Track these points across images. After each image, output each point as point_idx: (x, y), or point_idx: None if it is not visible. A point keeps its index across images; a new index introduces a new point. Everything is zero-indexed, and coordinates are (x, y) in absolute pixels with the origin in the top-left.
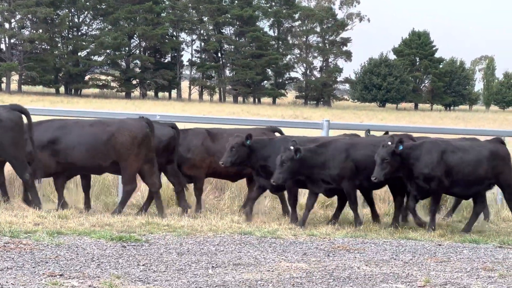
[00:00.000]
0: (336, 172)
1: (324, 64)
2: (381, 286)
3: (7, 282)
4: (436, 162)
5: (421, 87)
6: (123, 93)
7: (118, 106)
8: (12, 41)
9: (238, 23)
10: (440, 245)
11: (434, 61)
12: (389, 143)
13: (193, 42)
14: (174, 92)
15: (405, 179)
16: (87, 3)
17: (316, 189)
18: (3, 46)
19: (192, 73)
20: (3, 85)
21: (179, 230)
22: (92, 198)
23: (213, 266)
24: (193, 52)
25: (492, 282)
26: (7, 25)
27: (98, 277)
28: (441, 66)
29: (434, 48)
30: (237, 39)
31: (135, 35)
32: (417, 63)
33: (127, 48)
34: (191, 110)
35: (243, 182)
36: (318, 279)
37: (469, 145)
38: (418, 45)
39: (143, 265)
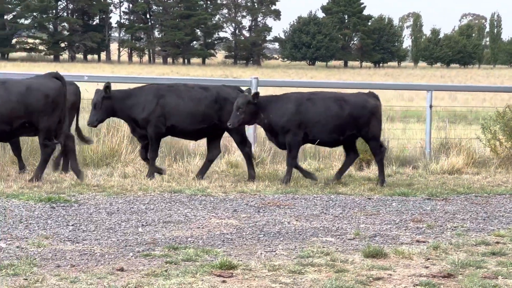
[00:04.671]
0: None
1: (253, 24)
2: (311, 240)
3: None
4: (290, 114)
5: (350, 45)
6: (52, 56)
7: (46, 69)
8: None
9: None
10: (370, 199)
11: (362, 19)
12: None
13: (121, 3)
14: (103, 55)
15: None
16: None
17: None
18: None
19: (121, 35)
20: None
21: (109, 190)
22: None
23: (143, 225)
24: (122, 14)
25: (420, 233)
26: None
27: (26, 238)
28: (369, 23)
29: (362, 6)
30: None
31: None
32: (346, 20)
33: (54, 11)
34: (120, 72)
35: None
36: (248, 235)
37: (334, 97)
38: (346, 3)
39: (72, 225)
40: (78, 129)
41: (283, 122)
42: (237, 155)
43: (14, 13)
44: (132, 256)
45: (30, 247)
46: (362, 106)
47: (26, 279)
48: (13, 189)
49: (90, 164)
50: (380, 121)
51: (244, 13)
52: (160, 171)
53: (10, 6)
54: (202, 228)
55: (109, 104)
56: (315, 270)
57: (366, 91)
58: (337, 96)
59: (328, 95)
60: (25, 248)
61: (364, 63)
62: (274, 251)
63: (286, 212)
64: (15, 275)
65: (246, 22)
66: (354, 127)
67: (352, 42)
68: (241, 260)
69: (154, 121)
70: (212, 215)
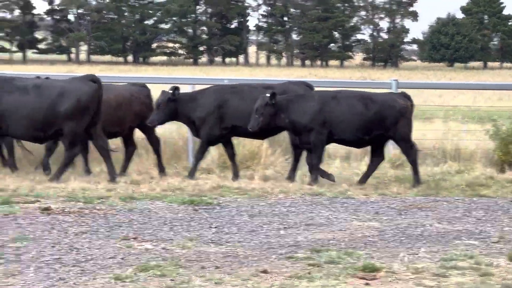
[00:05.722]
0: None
1: (391, 25)
2: (454, 243)
3: (82, 246)
4: (314, 112)
5: (491, 45)
6: (191, 60)
7: (185, 73)
8: (80, 11)
9: None
10: None
11: (502, 19)
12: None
13: (259, 6)
14: (241, 58)
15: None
16: None
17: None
18: (71, 17)
19: (259, 38)
20: (72, 55)
21: (250, 193)
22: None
23: (285, 227)
24: (260, 17)
25: None
26: None
27: (171, 239)
28: (510, 23)
29: (502, 6)
30: (304, 2)
31: (201, 1)
32: (486, 21)
33: (193, 15)
34: (259, 75)
35: None
36: (390, 237)
37: (360, 96)
38: (486, 3)
39: (215, 227)
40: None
41: (306, 121)
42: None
43: (155, 18)
44: (275, 258)
45: (175, 248)
46: (390, 106)
47: (173, 280)
48: (157, 191)
49: (230, 167)
50: (410, 122)
51: (382, 15)
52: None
53: (151, 11)
54: (344, 230)
55: (173, 106)
56: (459, 274)
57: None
58: (363, 95)
59: (354, 94)
60: (171, 250)
61: (504, 64)
62: (417, 254)
63: (427, 215)
64: (162, 275)
65: (384, 24)
66: (382, 127)
67: (492, 42)
68: (384, 263)
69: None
70: (354, 218)
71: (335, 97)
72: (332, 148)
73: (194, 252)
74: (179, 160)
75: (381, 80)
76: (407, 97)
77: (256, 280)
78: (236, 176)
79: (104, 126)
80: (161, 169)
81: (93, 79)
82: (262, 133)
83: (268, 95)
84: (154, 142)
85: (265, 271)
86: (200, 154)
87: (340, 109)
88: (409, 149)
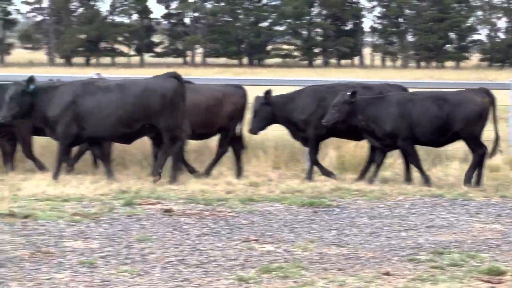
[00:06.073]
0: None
1: (509, 25)
2: None
3: (204, 247)
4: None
5: None
6: (305, 62)
7: (300, 75)
8: (195, 14)
9: None
10: None
11: None
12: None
13: (374, 8)
14: (356, 60)
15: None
16: None
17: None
18: (187, 20)
19: (374, 39)
20: (188, 58)
21: (369, 195)
22: (281, 166)
23: (405, 229)
24: (374, 18)
25: None
26: (190, 0)
27: (293, 241)
28: None
29: None
30: (418, 3)
31: (316, 3)
32: None
33: (308, 17)
34: (374, 77)
35: None
36: None
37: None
38: None
39: (335, 229)
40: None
41: (389, 128)
42: (497, 159)
43: (269, 20)
44: (397, 261)
45: (297, 250)
46: (467, 102)
47: (296, 282)
48: (276, 193)
49: (349, 168)
50: (485, 119)
51: (500, 14)
52: (329, 175)
53: (265, 14)
54: (466, 233)
55: (270, 110)
56: None
57: None
58: (439, 96)
59: (429, 95)
60: (292, 252)
61: None
62: None
63: None
64: (285, 277)
65: (502, 23)
66: (456, 126)
67: None
68: (509, 266)
69: (314, 123)
70: (475, 220)
71: (412, 100)
72: (450, 149)
73: (316, 254)
74: (297, 162)
75: (499, 81)
76: (487, 93)
77: (379, 282)
78: (370, 179)
79: (194, 128)
80: (239, 172)
81: (175, 76)
82: (356, 133)
83: (348, 93)
84: (223, 145)
85: (387, 273)
86: (313, 155)
87: (417, 111)
88: (479, 147)
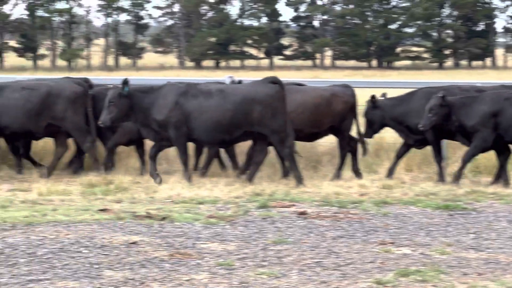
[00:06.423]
0: None
1: None
2: None
3: (340, 249)
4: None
5: None
6: (435, 64)
7: (430, 78)
8: (324, 17)
9: None
10: None
11: None
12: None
13: (507, 8)
14: (488, 61)
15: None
16: None
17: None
18: (316, 23)
19: (507, 40)
20: (317, 61)
21: (506, 198)
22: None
23: None
24: (507, 18)
25: None
26: (319, 2)
27: (429, 245)
28: None
29: None
30: None
31: (446, 4)
32: None
33: (438, 18)
34: (506, 78)
35: None
36: None
37: None
38: None
39: (473, 233)
40: (360, 134)
41: (473, 124)
42: None
43: (399, 22)
44: None
45: (434, 254)
46: None
47: (435, 286)
48: (409, 196)
49: (483, 171)
50: None
51: None
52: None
53: (395, 16)
54: None
55: (379, 114)
56: None
57: None
58: None
59: None
60: (429, 255)
61: None
62: None
63: None
64: (423, 281)
65: None
66: None
67: None
68: None
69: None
70: None
71: (508, 99)
72: None
73: (454, 258)
74: (429, 164)
75: None
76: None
77: None
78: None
79: (302, 128)
80: (357, 174)
81: (274, 81)
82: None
83: (441, 95)
84: (344, 146)
85: None
86: (437, 156)
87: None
88: None
